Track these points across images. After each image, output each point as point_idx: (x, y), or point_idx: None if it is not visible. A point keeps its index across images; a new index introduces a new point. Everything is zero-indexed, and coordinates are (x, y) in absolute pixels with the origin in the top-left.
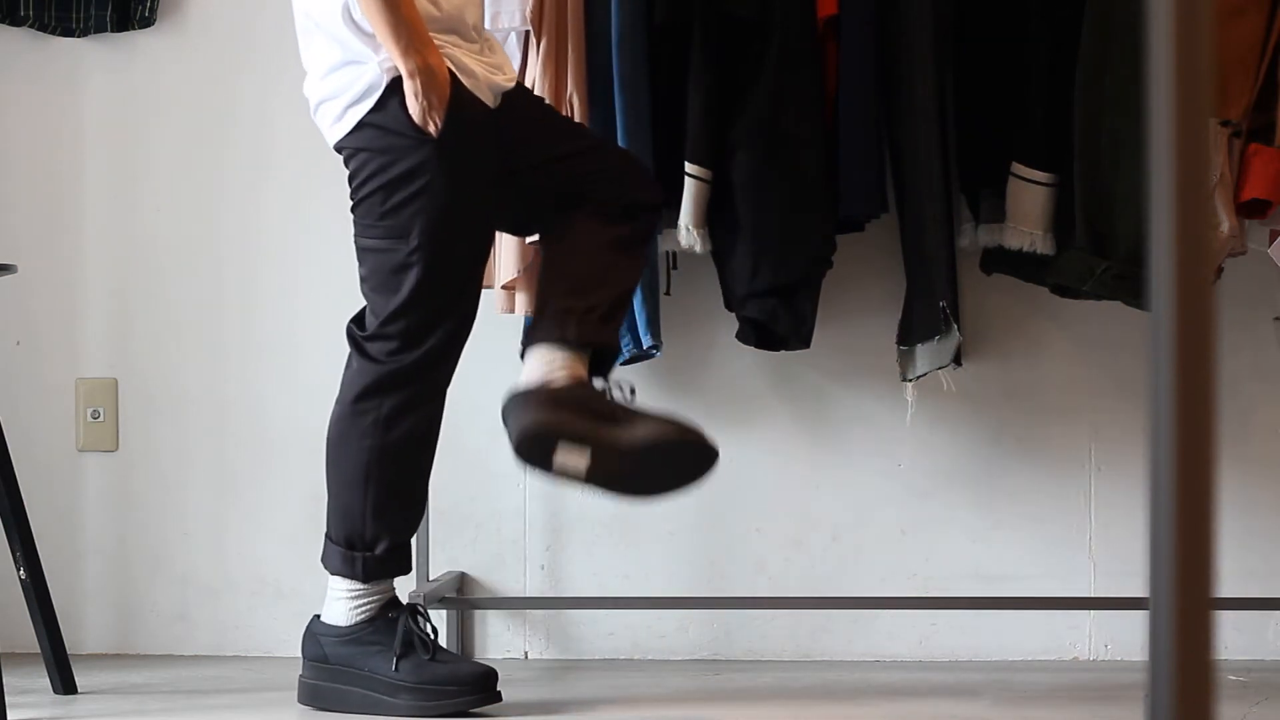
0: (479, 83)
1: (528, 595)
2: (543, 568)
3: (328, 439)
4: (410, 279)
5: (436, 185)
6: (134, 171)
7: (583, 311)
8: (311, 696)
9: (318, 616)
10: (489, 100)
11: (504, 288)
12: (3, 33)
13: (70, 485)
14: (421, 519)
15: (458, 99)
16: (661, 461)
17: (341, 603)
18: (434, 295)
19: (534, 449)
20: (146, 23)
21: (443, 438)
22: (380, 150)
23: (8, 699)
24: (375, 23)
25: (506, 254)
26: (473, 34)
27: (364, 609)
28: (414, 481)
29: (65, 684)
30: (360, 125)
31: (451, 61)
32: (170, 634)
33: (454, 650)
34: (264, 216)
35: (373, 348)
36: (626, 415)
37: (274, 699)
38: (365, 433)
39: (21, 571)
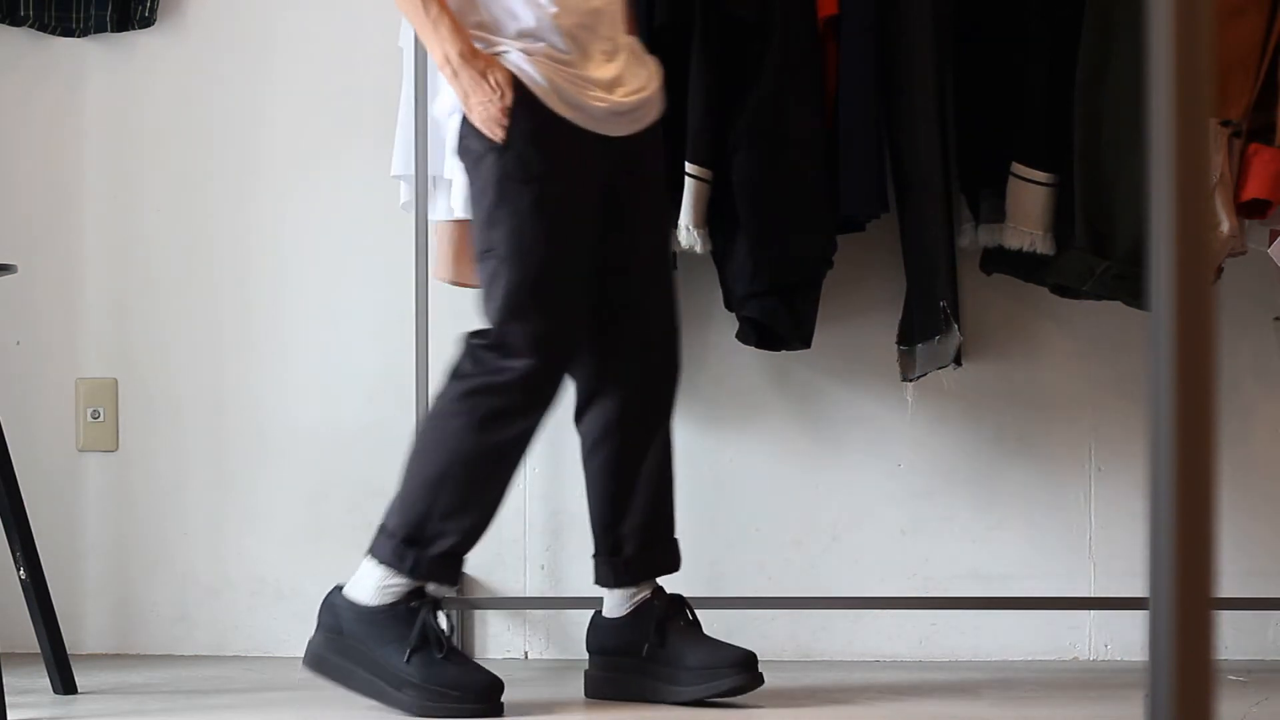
0: (548, 91)
1: (528, 595)
2: (543, 568)
3: (419, 429)
4: (501, 287)
5: (507, 190)
6: (134, 171)
7: (648, 546)
8: (317, 663)
9: (339, 587)
10: (562, 110)
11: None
12: (3, 33)
13: (70, 485)
14: (481, 537)
15: (527, 104)
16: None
17: (371, 579)
18: (525, 303)
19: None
20: (146, 23)
21: None
22: (470, 160)
23: (8, 699)
24: (404, 14)
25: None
26: (566, 44)
27: (392, 590)
28: (491, 491)
29: (65, 684)
30: (460, 137)
31: (515, 68)
32: (170, 634)
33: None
34: (264, 216)
35: (477, 354)
36: (682, 646)
37: (274, 699)
38: (455, 433)
39: (21, 571)
